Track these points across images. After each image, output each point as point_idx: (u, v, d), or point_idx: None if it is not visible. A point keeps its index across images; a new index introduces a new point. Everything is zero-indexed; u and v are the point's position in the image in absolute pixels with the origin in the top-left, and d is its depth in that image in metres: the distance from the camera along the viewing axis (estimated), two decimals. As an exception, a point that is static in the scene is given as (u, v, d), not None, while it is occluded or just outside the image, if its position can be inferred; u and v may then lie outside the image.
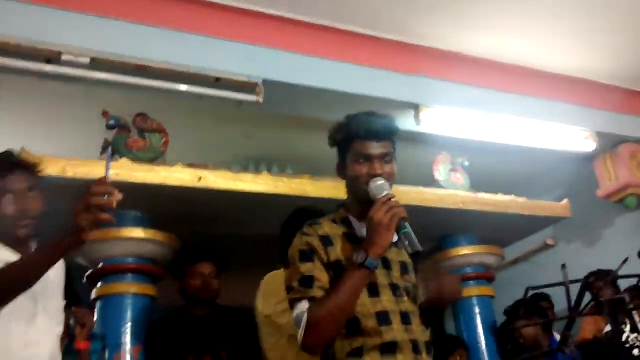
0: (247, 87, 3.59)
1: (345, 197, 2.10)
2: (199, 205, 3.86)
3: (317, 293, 1.85)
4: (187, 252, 3.49)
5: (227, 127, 4.51)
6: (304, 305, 1.84)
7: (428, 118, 4.12)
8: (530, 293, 3.41)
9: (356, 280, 1.84)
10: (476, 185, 4.73)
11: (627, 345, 3.90)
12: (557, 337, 4.11)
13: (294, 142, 4.73)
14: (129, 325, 3.57)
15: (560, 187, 5.48)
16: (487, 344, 4.70)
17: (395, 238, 1.92)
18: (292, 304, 1.89)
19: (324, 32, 3.93)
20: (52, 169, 3.23)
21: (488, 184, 4.72)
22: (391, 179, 1.99)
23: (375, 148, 1.98)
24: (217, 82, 3.52)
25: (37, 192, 2.06)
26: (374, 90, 3.94)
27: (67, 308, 2.23)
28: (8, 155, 2.11)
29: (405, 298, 1.97)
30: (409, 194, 4.19)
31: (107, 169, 1.71)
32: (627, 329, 3.93)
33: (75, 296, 2.86)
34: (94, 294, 3.72)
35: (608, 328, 4.05)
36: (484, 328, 4.75)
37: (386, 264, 1.98)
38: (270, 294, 2.84)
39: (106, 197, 1.62)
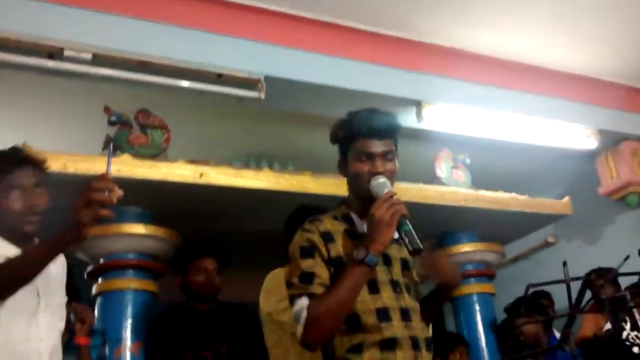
0: (249, 83, 3.59)
1: (347, 194, 2.11)
2: (200, 201, 3.86)
3: (317, 289, 1.86)
4: (189, 247, 3.48)
5: (229, 124, 4.52)
6: (303, 301, 1.84)
7: (430, 115, 4.12)
8: (531, 290, 3.40)
9: (356, 277, 1.84)
10: (477, 182, 4.73)
11: (627, 343, 3.91)
12: (557, 335, 4.12)
13: (295, 139, 4.73)
14: (129, 320, 3.57)
15: (562, 185, 5.48)
16: (487, 341, 4.71)
17: (396, 235, 1.92)
18: (292, 299, 1.89)
19: (325, 28, 3.93)
20: (53, 165, 3.19)
21: (489, 181, 4.72)
22: (393, 176, 1.99)
23: (377, 146, 1.98)
24: (219, 78, 3.53)
25: (44, 188, 2.07)
26: (375, 86, 3.94)
27: (68, 303, 2.24)
28: (15, 151, 2.11)
29: (406, 294, 1.97)
30: (410, 191, 4.19)
31: (109, 164, 1.71)
32: (628, 326, 3.93)
33: (75, 291, 2.87)
34: (94, 290, 3.73)
35: (608, 326, 4.05)
36: (484, 325, 4.75)
37: (387, 261, 1.98)
38: (272, 292, 2.84)
39: (106, 193, 1.63)
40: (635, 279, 3.70)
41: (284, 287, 2.03)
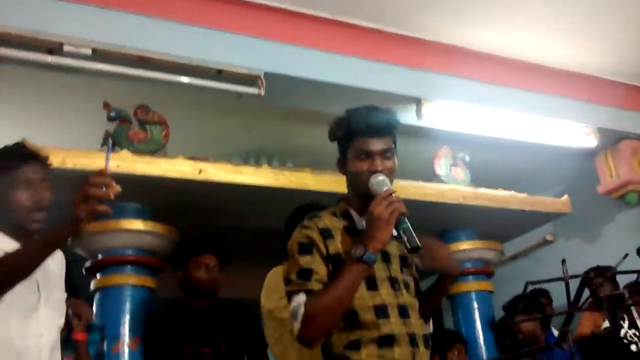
0: (249, 79, 3.58)
1: (346, 191, 2.10)
2: (199, 197, 3.86)
3: (315, 286, 1.86)
4: (190, 243, 3.45)
5: (228, 120, 4.51)
6: (301, 298, 1.84)
7: (429, 112, 4.11)
8: (530, 288, 3.40)
9: (354, 274, 1.85)
10: (477, 180, 4.73)
11: (625, 341, 3.91)
12: (555, 332, 4.12)
13: (294, 135, 4.73)
14: (127, 316, 3.57)
15: (561, 183, 5.48)
16: (485, 339, 4.71)
17: (395, 233, 1.92)
18: (290, 296, 1.89)
19: (326, 24, 3.92)
20: (52, 160, 3.22)
21: (489, 179, 4.72)
22: (392, 174, 1.99)
23: (376, 144, 1.97)
24: (219, 75, 3.52)
25: (49, 183, 2.07)
26: (375, 83, 3.93)
27: (66, 299, 2.24)
28: (21, 146, 2.12)
29: (404, 291, 1.97)
30: (409, 189, 4.19)
31: (107, 160, 1.71)
32: (626, 324, 3.93)
33: (73, 287, 2.87)
34: (93, 285, 3.73)
35: (606, 324, 4.06)
36: (482, 323, 4.76)
37: (386, 257, 1.98)
38: (273, 289, 2.84)
39: (104, 188, 1.62)
40: (633, 277, 3.70)
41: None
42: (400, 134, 2.08)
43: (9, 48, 3.08)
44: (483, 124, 4.38)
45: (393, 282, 1.96)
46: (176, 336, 3.15)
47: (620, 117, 4.91)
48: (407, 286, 2.00)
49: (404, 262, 2.04)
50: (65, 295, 2.17)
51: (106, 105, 3.72)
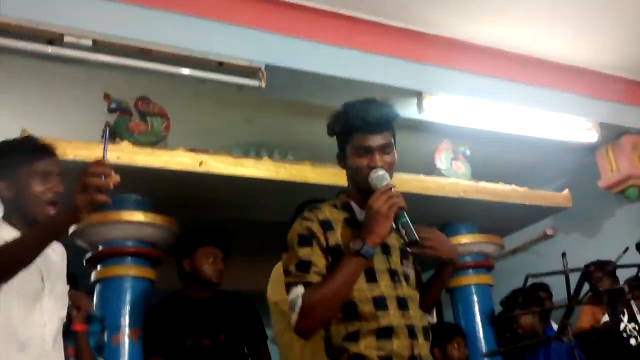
0: (250, 71, 3.58)
1: (346, 184, 2.10)
2: (199, 189, 3.85)
3: (313, 278, 1.86)
4: (200, 232, 3.43)
5: (229, 112, 4.51)
6: (299, 290, 1.85)
7: (430, 106, 4.11)
8: (530, 281, 3.40)
9: (352, 267, 1.85)
10: (477, 174, 4.72)
11: (625, 335, 3.92)
12: (555, 326, 4.12)
13: (295, 128, 4.72)
14: (127, 307, 3.58)
15: (562, 177, 5.48)
16: (484, 333, 4.71)
17: (394, 226, 1.92)
18: (288, 287, 1.90)
19: (327, 17, 3.91)
20: (53, 151, 3.22)
21: (489, 173, 4.71)
22: (391, 168, 1.99)
23: (375, 140, 1.96)
24: (220, 67, 3.51)
25: (61, 176, 2.07)
26: (376, 76, 3.93)
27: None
28: (32, 140, 2.12)
29: (404, 283, 1.98)
30: (409, 182, 4.19)
31: (105, 149, 1.70)
32: (625, 318, 3.94)
33: (73, 278, 2.87)
34: (93, 277, 3.73)
35: (605, 318, 4.06)
36: (482, 316, 4.76)
37: (386, 250, 1.98)
38: (278, 281, 2.84)
39: (103, 178, 1.62)
40: (633, 271, 3.71)
41: None
42: (401, 128, 2.07)
43: (9, 38, 3.07)
44: (484, 118, 4.38)
45: (393, 274, 1.96)
46: (176, 328, 3.15)
47: (621, 112, 4.91)
48: (407, 278, 2.00)
49: (404, 254, 2.04)
50: (67, 287, 2.18)
51: (107, 96, 3.71)
